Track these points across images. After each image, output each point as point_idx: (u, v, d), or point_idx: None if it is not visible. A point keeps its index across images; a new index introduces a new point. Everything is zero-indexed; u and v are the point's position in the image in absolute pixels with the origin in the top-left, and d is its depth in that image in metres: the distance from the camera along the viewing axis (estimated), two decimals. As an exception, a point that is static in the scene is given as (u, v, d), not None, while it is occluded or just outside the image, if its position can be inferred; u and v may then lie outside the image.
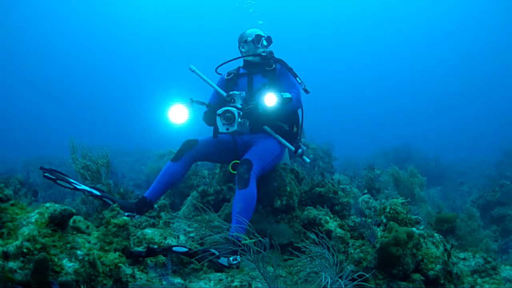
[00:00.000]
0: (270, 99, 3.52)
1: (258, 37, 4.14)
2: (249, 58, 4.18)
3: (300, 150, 3.96)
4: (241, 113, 3.63)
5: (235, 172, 3.56)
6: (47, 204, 2.20)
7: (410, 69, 58.95)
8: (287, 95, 3.75)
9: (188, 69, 4.10)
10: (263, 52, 4.11)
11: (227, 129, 3.62)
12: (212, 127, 3.92)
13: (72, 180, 3.24)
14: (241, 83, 4.16)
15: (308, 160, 4.10)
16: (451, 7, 55.14)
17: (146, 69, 62.46)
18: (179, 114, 3.73)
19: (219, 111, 3.63)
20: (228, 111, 3.60)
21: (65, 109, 50.64)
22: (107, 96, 57.10)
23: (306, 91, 3.99)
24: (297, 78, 3.99)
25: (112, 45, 61.14)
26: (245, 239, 2.55)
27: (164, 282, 2.41)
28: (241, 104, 3.77)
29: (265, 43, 4.16)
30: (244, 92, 3.86)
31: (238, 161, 3.62)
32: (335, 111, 46.34)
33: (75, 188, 3.20)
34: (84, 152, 4.29)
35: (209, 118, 3.88)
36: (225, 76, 4.26)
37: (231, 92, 3.86)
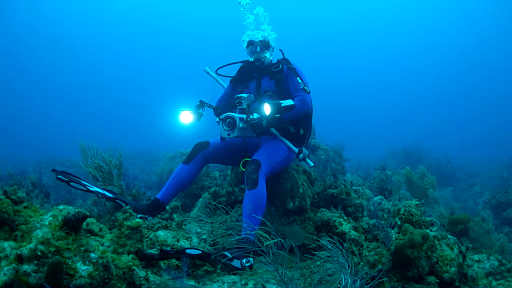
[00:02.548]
0: (266, 109, 3.46)
1: (248, 43, 4.07)
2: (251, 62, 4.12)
3: (301, 155, 3.83)
4: (244, 118, 3.57)
5: None
6: (61, 207, 2.19)
7: (418, 69, 58.58)
8: (288, 102, 3.65)
9: (203, 71, 4.11)
10: (256, 57, 4.02)
11: (228, 134, 3.58)
12: None
13: (85, 182, 3.25)
14: (251, 85, 4.12)
15: (312, 164, 3.99)
16: (459, 4, 54.76)
17: (155, 71, 62.67)
18: (187, 118, 3.75)
19: (222, 116, 3.58)
20: (229, 117, 3.55)
21: (75, 111, 50.91)
22: (116, 98, 57.36)
23: (305, 90, 3.88)
24: (298, 78, 3.85)
25: (122, 47, 61.43)
26: (260, 241, 2.53)
27: (178, 285, 2.40)
28: (247, 105, 3.72)
29: (256, 48, 4.04)
30: (253, 95, 3.81)
31: (249, 159, 3.59)
32: (343, 111, 46.10)
33: (88, 190, 3.20)
34: (95, 153, 4.29)
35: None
36: None
37: (238, 95, 3.80)
